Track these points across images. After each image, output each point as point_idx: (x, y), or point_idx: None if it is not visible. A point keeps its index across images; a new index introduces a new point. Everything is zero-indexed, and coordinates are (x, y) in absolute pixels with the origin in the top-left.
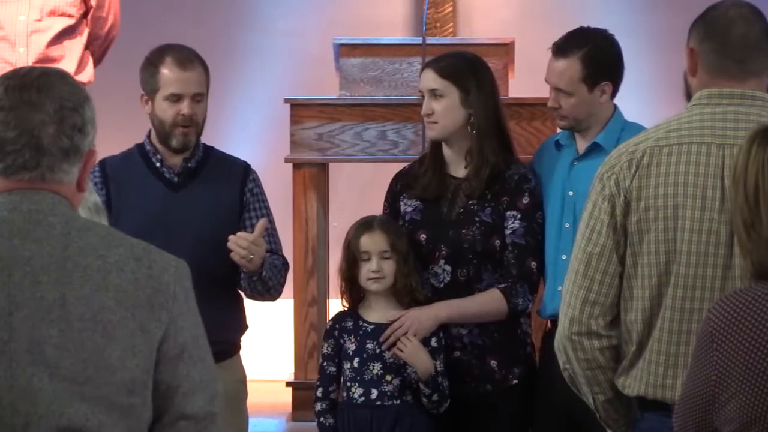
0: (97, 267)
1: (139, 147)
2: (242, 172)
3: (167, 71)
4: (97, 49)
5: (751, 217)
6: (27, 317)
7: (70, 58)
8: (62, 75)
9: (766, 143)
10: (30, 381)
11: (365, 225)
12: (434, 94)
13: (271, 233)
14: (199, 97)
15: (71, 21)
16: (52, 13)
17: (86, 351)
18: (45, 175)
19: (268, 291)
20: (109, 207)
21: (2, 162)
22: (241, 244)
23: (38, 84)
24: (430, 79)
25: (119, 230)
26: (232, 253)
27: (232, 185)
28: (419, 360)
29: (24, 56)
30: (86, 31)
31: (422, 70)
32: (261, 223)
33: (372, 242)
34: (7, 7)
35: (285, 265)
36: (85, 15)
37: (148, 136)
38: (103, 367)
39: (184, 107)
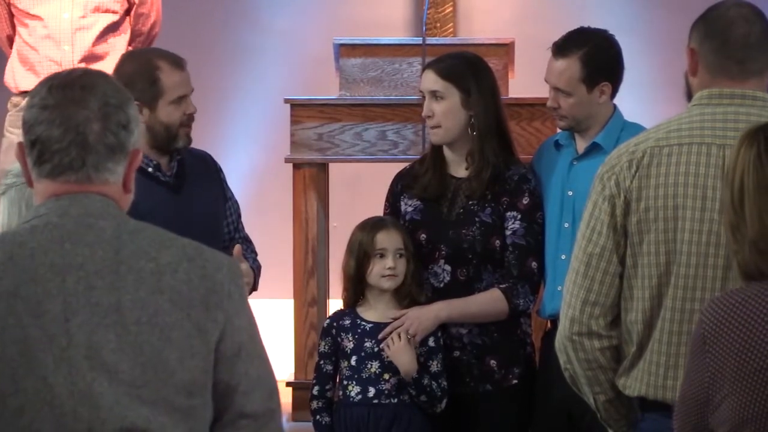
0: (150, 269)
1: None
2: (212, 161)
3: (168, 76)
4: (140, 45)
5: (736, 218)
6: (84, 323)
7: (114, 55)
8: (104, 75)
9: (751, 144)
10: (90, 386)
11: (380, 223)
12: (435, 95)
13: (239, 220)
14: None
15: (115, 17)
16: (96, 9)
17: (144, 354)
18: (91, 175)
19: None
20: None
21: (49, 162)
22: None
23: (81, 83)
24: (431, 81)
25: None
26: None
27: (213, 177)
28: (402, 360)
29: (69, 54)
30: (129, 28)
31: (423, 70)
32: (237, 249)
33: (389, 240)
34: (50, 5)
35: (254, 251)
36: (128, 11)
37: None
38: (162, 370)
39: (190, 106)
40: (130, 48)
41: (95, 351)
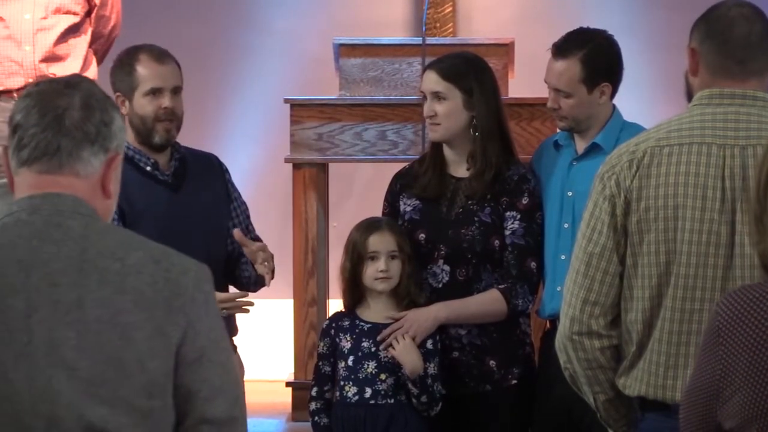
0: (115, 269)
1: None
2: (218, 162)
3: (144, 67)
4: (100, 47)
5: (759, 208)
6: (45, 319)
7: (75, 56)
8: (91, 80)
9: None
10: (49, 383)
11: (373, 225)
12: (437, 96)
13: (247, 222)
14: (178, 91)
15: (76, 19)
16: (58, 11)
17: (104, 353)
18: (63, 161)
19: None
20: (122, 216)
21: (26, 147)
22: (264, 258)
23: (66, 81)
24: (433, 81)
25: None
26: (258, 267)
27: (217, 178)
28: (409, 359)
29: (30, 54)
30: (90, 30)
31: (424, 71)
32: (236, 233)
33: (381, 242)
34: (12, 6)
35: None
36: (88, 13)
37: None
38: (121, 369)
39: (166, 100)
40: (90, 50)
41: (55, 348)
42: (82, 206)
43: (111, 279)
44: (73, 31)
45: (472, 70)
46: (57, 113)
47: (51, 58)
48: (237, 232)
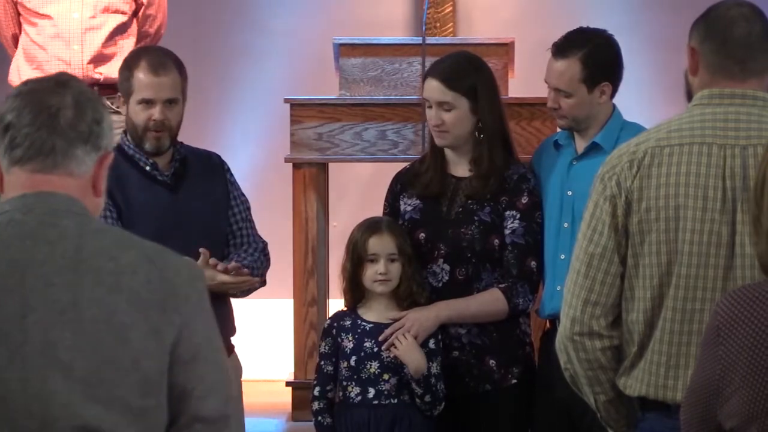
0: (109, 269)
1: (121, 152)
2: (220, 163)
3: (141, 75)
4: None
5: (757, 209)
6: (40, 320)
7: (122, 56)
8: (78, 79)
9: None
10: (44, 383)
11: (373, 226)
12: (443, 106)
13: (246, 219)
14: (173, 102)
15: (124, 18)
16: (106, 10)
17: (99, 353)
18: (57, 160)
19: (253, 288)
20: (119, 216)
21: (20, 147)
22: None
23: (56, 79)
24: (439, 92)
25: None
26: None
27: (218, 178)
28: (413, 358)
29: (78, 54)
30: (136, 29)
31: (425, 77)
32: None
33: (380, 244)
34: (60, 5)
35: (263, 251)
36: (135, 13)
37: (126, 140)
38: (117, 369)
39: (156, 112)
40: None
41: (50, 348)
42: (76, 205)
43: (106, 279)
44: (120, 30)
45: (474, 74)
46: (50, 112)
47: (99, 58)
48: (213, 261)
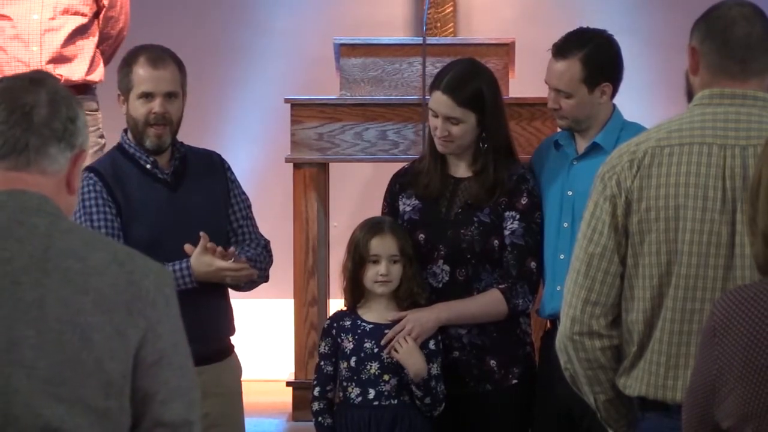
0: (77, 269)
1: (121, 150)
2: (220, 161)
3: (140, 70)
4: (108, 48)
5: (752, 210)
6: (5, 317)
7: (82, 57)
8: (54, 76)
9: None
10: (7, 381)
11: (375, 227)
12: (452, 120)
13: (247, 216)
14: (173, 96)
15: (84, 20)
16: (66, 11)
17: (63, 352)
18: (30, 158)
19: (256, 283)
20: (119, 213)
21: None
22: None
23: (30, 77)
24: (448, 107)
25: (132, 237)
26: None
27: (218, 176)
28: (413, 361)
29: (37, 55)
30: (97, 31)
31: (433, 88)
32: (231, 252)
33: (382, 246)
34: (19, 6)
35: (266, 247)
36: (96, 14)
37: (126, 139)
38: (80, 369)
39: (156, 105)
40: (97, 51)
41: (14, 346)
42: (48, 204)
43: (73, 279)
44: (80, 32)
45: (481, 87)
46: (24, 110)
47: (58, 59)
48: (211, 245)
